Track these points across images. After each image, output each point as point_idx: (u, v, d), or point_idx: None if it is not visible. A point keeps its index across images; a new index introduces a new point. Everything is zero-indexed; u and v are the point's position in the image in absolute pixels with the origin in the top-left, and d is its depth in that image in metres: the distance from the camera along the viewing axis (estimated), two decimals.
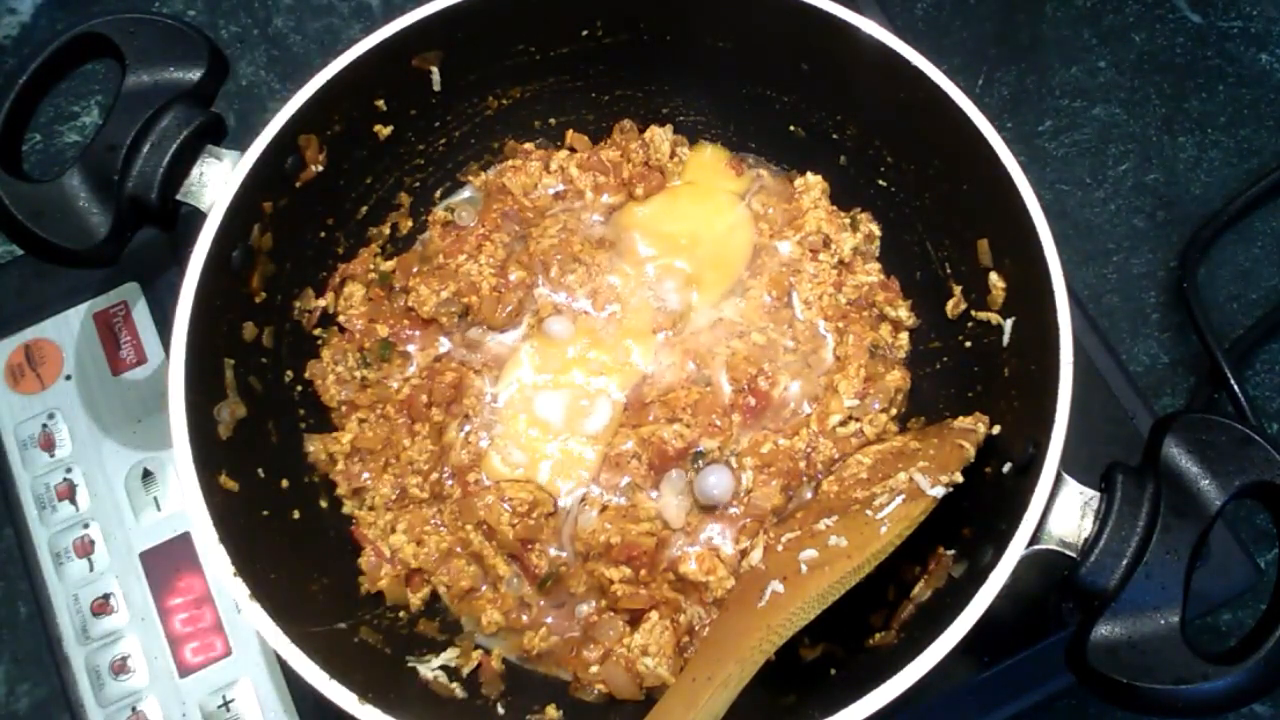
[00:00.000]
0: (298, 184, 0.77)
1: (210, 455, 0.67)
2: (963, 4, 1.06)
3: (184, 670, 0.78)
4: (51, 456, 0.84)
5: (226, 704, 0.77)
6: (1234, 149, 1.00)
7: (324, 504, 0.79)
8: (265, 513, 0.72)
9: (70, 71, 0.75)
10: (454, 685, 0.74)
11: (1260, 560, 0.80)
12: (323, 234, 0.82)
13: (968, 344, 0.79)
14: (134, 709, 0.77)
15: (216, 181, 0.72)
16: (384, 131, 0.82)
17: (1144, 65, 1.04)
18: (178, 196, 0.72)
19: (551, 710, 0.73)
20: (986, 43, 1.04)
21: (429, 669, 0.74)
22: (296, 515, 0.76)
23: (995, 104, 1.01)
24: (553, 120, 0.90)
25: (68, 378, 0.86)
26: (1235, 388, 0.86)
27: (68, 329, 0.87)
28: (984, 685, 0.75)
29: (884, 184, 0.84)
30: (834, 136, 0.85)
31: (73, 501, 0.82)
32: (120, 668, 0.78)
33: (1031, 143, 1.00)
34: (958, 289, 0.79)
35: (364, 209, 0.85)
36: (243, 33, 1.06)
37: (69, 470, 0.83)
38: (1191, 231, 0.95)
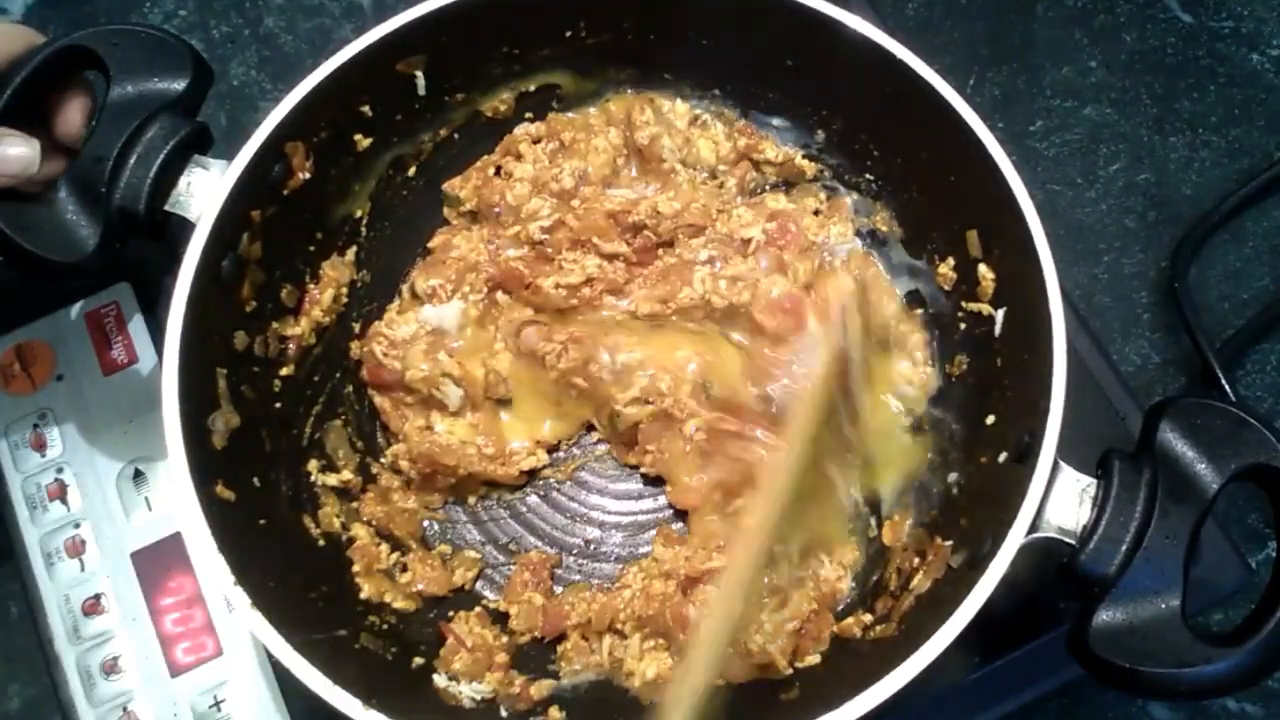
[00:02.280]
0: (285, 192, 0.77)
1: (206, 466, 0.67)
2: (954, 3, 1.06)
3: (175, 670, 0.77)
4: (43, 457, 0.83)
5: (218, 704, 0.77)
6: (1225, 149, 1.00)
7: (320, 512, 0.79)
8: (262, 521, 0.72)
9: (56, 86, 0.74)
10: (459, 691, 0.74)
11: (1251, 560, 0.80)
12: (311, 247, 0.82)
13: (958, 336, 0.79)
14: (125, 709, 0.77)
15: (204, 191, 0.72)
16: (364, 142, 0.82)
17: (1135, 65, 1.04)
18: (166, 207, 0.72)
19: (555, 712, 0.73)
20: (977, 42, 1.05)
21: (445, 680, 0.74)
22: (293, 523, 0.76)
23: (986, 104, 1.01)
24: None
25: (59, 378, 0.86)
26: (1226, 388, 0.86)
27: (59, 329, 0.87)
28: (976, 684, 0.75)
29: (871, 178, 0.85)
30: (819, 131, 0.86)
31: (64, 502, 0.82)
32: (111, 668, 0.78)
33: (1022, 143, 1.00)
34: (947, 283, 0.80)
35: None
36: (234, 32, 1.06)
37: (60, 470, 0.83)
38: (1183, 231, 0.95)
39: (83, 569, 0.80)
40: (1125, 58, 1.04)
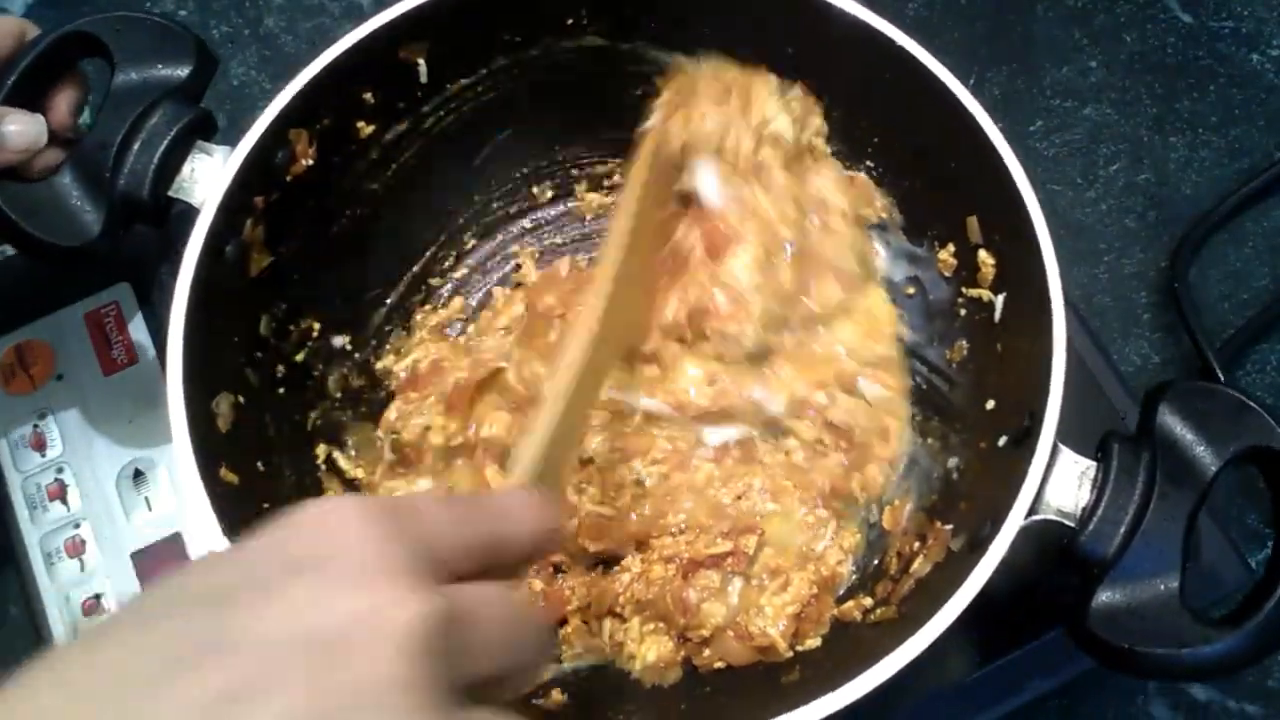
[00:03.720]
0: (288, 178, 0.77)
1: (210, 449, 0.67)
2: (953, 3, 1.06)
3: None
4: (43, 457, 0.83)
5: None
6: (1225, 149, 1.00)
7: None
8: (266, 505, 0.72)
9: (60, 73, 0.74)
10: None
11: (1251, 560, 0.80)
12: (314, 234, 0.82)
13: (958, 323, 0.79)
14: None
15: (208, 177, 0.72)
16: (366, 129, 0.81)
17: (1135, 65, 1.04)
18: (169, 193, 0.72)
19: (557, 694, 0.73)
20: (977, 42, 1.05)
21: None
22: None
23: (986, 104, 0.99)
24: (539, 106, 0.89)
25: (59, 378, 0.86)
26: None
27: (59, 329, 0.87)
28: (977, 684, 0.75)
29: (871, 164, 0.84)
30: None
31: (64, 502, 0.82)
32: None
33: (1022, 143, 1.00)
34: (947, 269, 0.80)
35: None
36: (234, 32, 1.06)
37: (60, 470, 0.83)
38: (1183, 231, 0.96)
39: (83, 569, 0.80)
40: (1125, 58, 1.04)
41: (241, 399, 0.72)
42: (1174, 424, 0.62)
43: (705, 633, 0.74)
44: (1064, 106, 1.03)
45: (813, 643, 0.74)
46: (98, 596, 0.79)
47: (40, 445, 0.83)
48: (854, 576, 0.78)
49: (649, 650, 0.75)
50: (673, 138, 0.76)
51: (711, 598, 0.74)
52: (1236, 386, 0.84)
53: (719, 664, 0.74)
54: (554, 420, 0.57)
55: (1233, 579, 0.77)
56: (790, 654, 0.74)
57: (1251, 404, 0.62)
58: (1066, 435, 0.63)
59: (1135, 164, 1.00)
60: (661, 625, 0.76)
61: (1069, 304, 0.67)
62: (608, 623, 0.77)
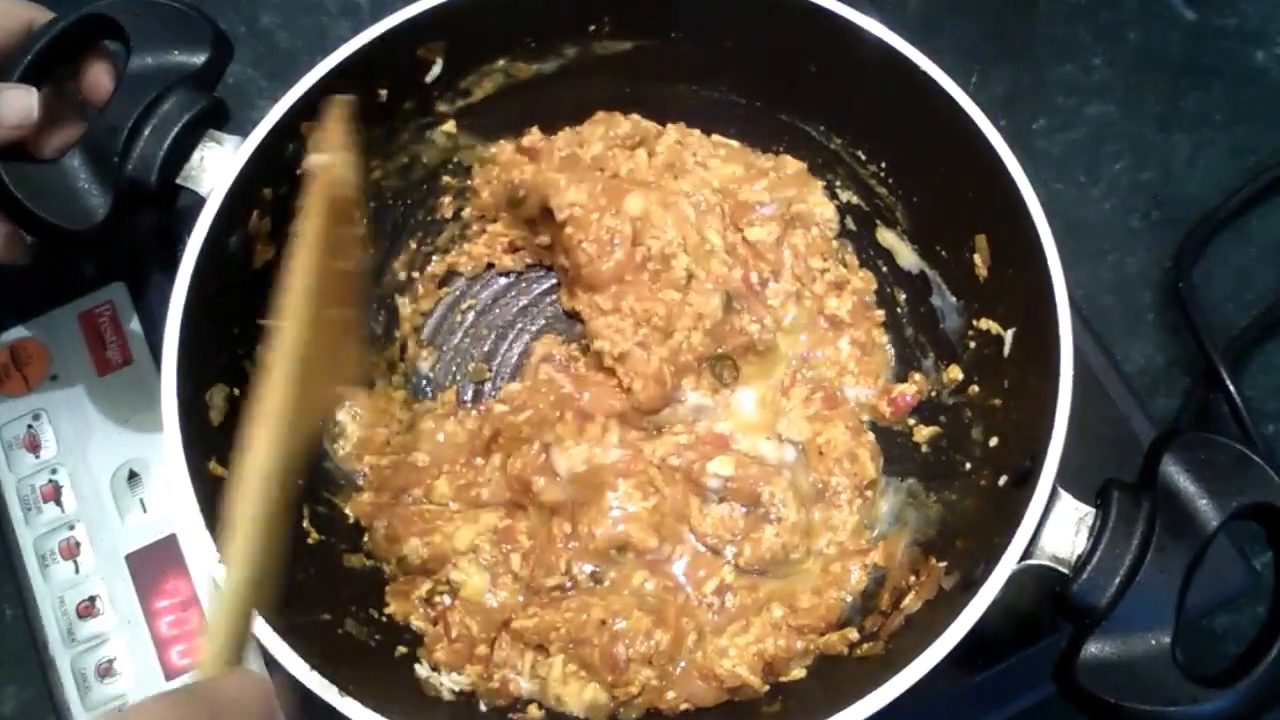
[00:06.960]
0: (298, 171, 0.76)
1: (201, 441, 0.67)
2: (956, 1, 1.06)
3: (170, 673, 0.77)
4: (37, 458, 0.83)
5: None
6: (1230, 147, 1.00)
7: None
8: None
9: (76, 55, 0.75)
10: (439, 683, 0.73)
11: (1255, 563, 0.80)
12: None
13: (967, 356, 0.79)
14: (120, 711, 0.76)
15: (217, 166, 0.72)
16: (378, 125, 0.81)
17: (1139, 63, 1.03)
18: (178, 180, 0.72)
19: (534, 710, 0.73)
20: (980, 40, 1.04)
21: (427, 671, 0.73)
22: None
23: (989, 102, 0.99)
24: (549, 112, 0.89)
25: (53, 378, 0.85)
26: (1231, 389, 0.86)
27: (53, 329, 0.87)
28: (974, 690, 0.75)
29: (883, 191, 0.84)
30: (837, 139, 0.85)
31: (58, 503, 0.82)
32: (106, 670, 0.77)
33: (1026, 141, 1.00)
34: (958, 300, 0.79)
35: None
36: (230, 30, 1.04)
37: (54, 471, 0.82)
38: (1187, 231, 0.95)
39: (77, 571, 0.80)
40: (1129, 55, 1.04)
41: (237, 392, 0.72)
42: (1176, 475, 0.61)
43: (634, 690, 0.72)
44: (1067, 104, 1.02)
45: (797, 673, 0.74)
46: (92, 599, 0.79)
47: (34, 446, 0.83)
48: (850, 607, 0.77)
49: (574, 693, 0.72)
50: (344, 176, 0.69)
51: (640, 660, 0.72)
52: (1242, 398, 0.84)
53: (685, 706, 0.73)
54: (254, 532, 0.53)
55: (1236, 580, 0.77)
56: (766, 688, 0.73)
57: (1256, 459, 0.62)
58: (1067, 473, 0.62)
59: (1139, 162, 1.00)
60: (584, 674, 0.73)
61: (1071, 304, 0.66)
62: (529, 655, 0.74)
